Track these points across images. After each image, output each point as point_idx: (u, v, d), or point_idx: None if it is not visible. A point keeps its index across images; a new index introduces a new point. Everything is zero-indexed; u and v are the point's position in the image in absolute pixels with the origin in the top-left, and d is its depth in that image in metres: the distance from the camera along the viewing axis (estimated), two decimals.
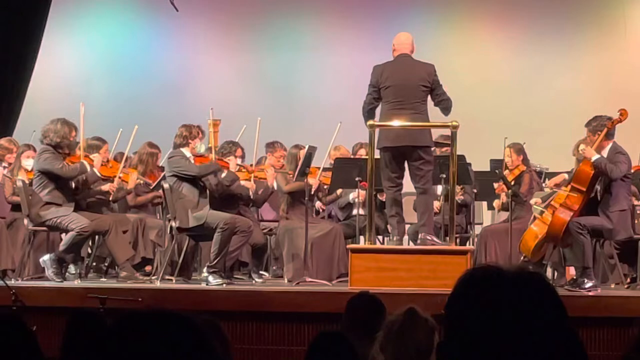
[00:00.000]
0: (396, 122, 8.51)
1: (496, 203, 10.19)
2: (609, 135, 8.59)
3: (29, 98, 11.54)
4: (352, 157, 10.27)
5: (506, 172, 9.86)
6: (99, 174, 9.15)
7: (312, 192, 9.70)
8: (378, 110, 8.63)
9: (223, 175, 9.32)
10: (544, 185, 10.11)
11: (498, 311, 1.75)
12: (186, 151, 9.02)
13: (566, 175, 9.36)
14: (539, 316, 1.75)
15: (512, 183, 9.74)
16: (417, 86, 8.44)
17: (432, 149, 8.85)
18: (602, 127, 8.57)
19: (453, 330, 1.80)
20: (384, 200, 10.12)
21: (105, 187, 9.40)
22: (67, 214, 8.78)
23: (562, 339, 1.76)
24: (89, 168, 8.99)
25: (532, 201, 9.54)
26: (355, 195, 9.97)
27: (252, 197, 9.70)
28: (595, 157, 8.45)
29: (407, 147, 8.47)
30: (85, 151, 9.25)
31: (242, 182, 9.56)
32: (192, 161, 9.01)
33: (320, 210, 10.46)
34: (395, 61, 8.64)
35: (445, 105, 8.52)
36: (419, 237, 8.64)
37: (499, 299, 1.76)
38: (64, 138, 8.88)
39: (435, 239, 8.56)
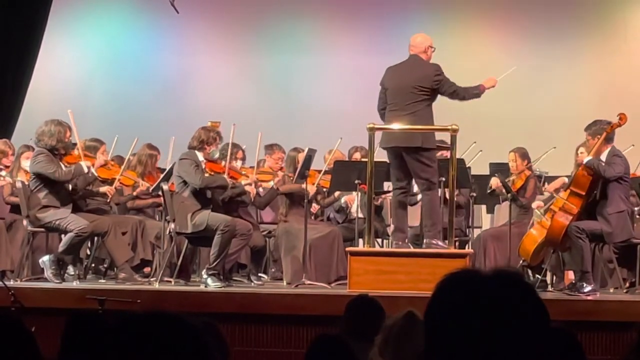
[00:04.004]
0: (396, 125, 8.50)
1: (494, 181, 9.94)
2: (608, 139, 8.61)
3: (28, 99, 11.54)
4: (348, 160, 10.25)
5: (513, 178, 9.82)
6: (95, 174, 9.14)
7: (310, 198, 9.68)
8: None
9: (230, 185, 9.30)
10: (543, 189, 10.10)
11: (477, 314, 1.74)
12: (200, 155, 8.98)
13: (566, 179, 9.35)
14: (518, 316, 1.74)
15: (518, 190, 9.71)
16: (411, 88, 8.38)
17: (430, 150, 8.50)
18: (601, 130, 8.60)
19: (434, 338, 1.78)
20: (378, 204, 10.12)
21: (104, 189, 9.39)
22: (66, 216, 8.77)
23: (543, 339, 1.75)
24: (85, 169, 8.95)
25: (533, 205, 9.54)
26: (348, 198, 10.00)
27: (252, 202, 9.68)
28: (587, 159, 8.50)
29: (399, 149, 8.46)
30: (84, 151, 9.24)
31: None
32: (204, 166, 8.97)
33: (319, 213, 10.45)
34: (402, 62, 8.63)
35: (458, 98, 8.48)
36: (424, 242, 8.61)
37: (477, 302, 1.75)
38: (59, 140, 8.85)
39: (440, 243, 8.50)
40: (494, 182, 9.81)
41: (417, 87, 8.37)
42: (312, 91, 13.16)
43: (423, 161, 8.42)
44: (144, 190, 9.78)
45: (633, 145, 8.90)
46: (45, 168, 8.77)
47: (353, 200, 10.00)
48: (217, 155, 9.09)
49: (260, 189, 9.86)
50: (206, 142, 8.97)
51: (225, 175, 9.06)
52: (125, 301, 7.30)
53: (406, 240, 8.73)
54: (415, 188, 9.12)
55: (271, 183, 9.88)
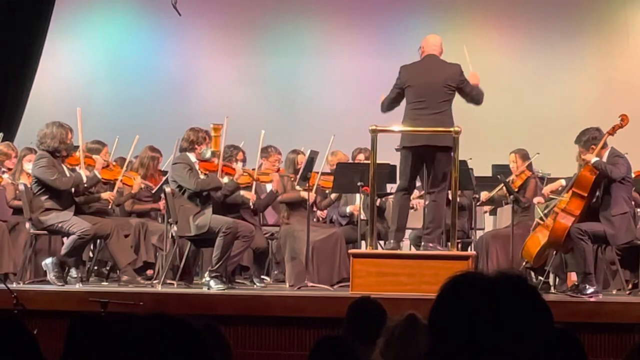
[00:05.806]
0: (396, 127, 8.50)
1: (484, 195, 10.04)
2: (605, 143, 8.63)
3: (31, 101, 11.55)
4: (351, 162, 10.24)
5: (512, 178, 9.84)
6: (99, 176, 9.14)
7: (311, 204, 9.67)
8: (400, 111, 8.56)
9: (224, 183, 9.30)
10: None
11: (481, 317, 1.74)
12: (192, 156, 8.99)
13: (563, 182, 9.35)
14: (522, 318, 1.74)
15: (517, 190, 9.72)
16: (441, 87, 8.37)
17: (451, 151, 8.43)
18: (593, 139, 8.61)
19: (438, 340, 1.78)
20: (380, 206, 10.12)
21: (105, 195, 9.39)
22: (68, 218, 8.77)
23: (547, 341, 1.75)
24: (84, 178, 8.95)
25: (535, 200, 9.55)
26: (353, 208, 9.99)
27: (252, 207, 9.67)
28: (594, 159, 8.50)
29: (427, 147, 8.43)
30: (85, 153, 9.24)
31: (243, 192, 9.53)
32: (197, 167, 8.98)
33: (320, 219, 10.44)
34: (420, 61, 8.60)
35: (475, 100, 8.50)
36: (422, 244, 8.63)
37: (481, 304, 1.75)
38: (61, 142, 8.86)
39: (439, 247, 8.50)
40: (484, 196, 9.89)
41: (447, 85, 8.38)
42: (314, 93, 13.17)
43: (447, 161, 8.40)
44: (141, 186, 9.75)
45: (627, 153, 8.89)
46: (45, 174, 8.77)
47: (357, 211, 9.98)
48: (208, 155, 9.09)
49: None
50: (196, 142, 8.99)
51: (219, 173, 9.07)
52: (127, 303, 7.30)
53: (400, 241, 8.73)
54: (415, 193, 9.13)
55: (269, 186, 9.89)
